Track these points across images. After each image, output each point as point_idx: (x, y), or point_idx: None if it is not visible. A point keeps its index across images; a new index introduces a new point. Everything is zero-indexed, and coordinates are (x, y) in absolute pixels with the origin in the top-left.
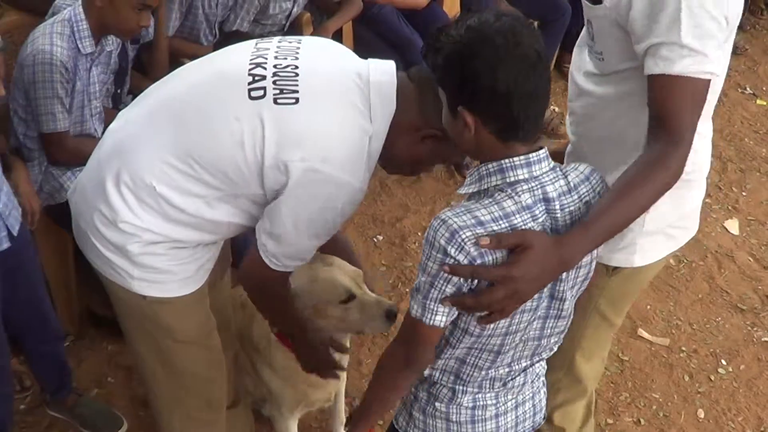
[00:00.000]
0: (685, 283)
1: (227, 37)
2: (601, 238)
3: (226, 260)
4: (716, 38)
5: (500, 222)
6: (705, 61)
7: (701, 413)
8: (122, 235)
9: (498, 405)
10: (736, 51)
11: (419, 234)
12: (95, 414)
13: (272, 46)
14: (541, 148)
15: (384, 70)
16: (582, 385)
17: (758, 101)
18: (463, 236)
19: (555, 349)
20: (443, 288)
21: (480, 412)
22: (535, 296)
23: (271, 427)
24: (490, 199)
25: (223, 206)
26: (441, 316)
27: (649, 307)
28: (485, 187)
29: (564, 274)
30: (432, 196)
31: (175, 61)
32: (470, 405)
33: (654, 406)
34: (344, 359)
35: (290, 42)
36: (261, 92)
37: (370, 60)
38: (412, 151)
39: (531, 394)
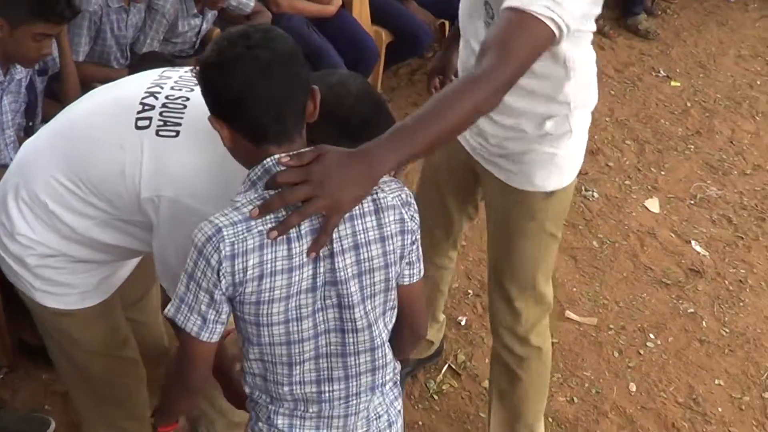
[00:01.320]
0: (609, 263)
1: (143, 59)
2: (410, 149)
3: (153, 279)
4: None
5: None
6: (561, 12)
7: (633, 387)
8: (20, 246)
9: None
10: (648, 36)
11: None
12: (18, 421)
13: (175, 75)
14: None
15: None
16: (546, 301)
17: (672, 83)
18: (223, 234)
19: (391, 376)
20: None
21: None
22: (317, 304)
23: None
24: (256, 195)
25: (111, 230)
26: (192, 325)
27: (575, 289)
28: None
29: (351, 280)
30: None
31: (88, 86)
32: (286, 429)
33: (586, 384)
34: None
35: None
36: (147, 122)
37: None
38: None
39: None
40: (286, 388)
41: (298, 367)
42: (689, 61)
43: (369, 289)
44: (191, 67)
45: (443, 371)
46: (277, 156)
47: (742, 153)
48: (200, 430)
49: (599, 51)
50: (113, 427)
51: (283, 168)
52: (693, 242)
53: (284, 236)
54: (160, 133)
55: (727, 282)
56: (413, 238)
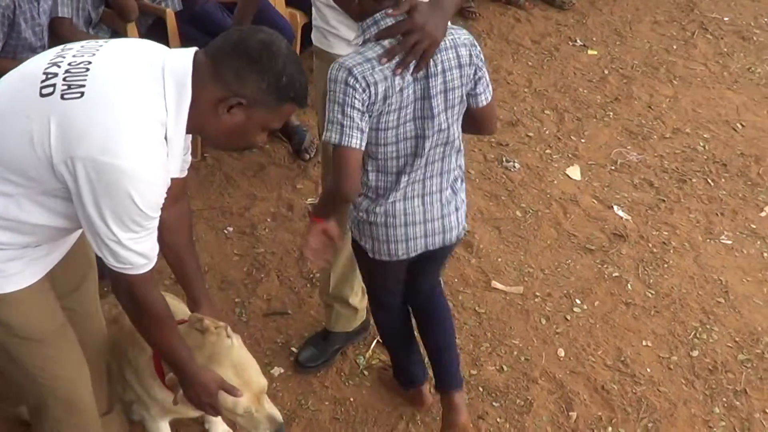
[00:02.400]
0: (533, 232)
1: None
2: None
3: (89, 266)
4: None
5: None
6: None
7: (561, 352)
8: None
9: (407, 215)
10: (564, 6)
11: (269, 221)
12: None
13: (77, 46)
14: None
15: (180, 56)
16: None
17: (589, 51)
18: (357, 71)
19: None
20: (351, 113)
21: (391, 220)
22: (408, 102)
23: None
24: (373, 43)
25: (32, 206)
26: (356, 139)
27: (500, 259)
28: (367, 37)
29: (439, 96)
30: (277, 182)
31: None
32: (382, 211)
33: (515, 352)
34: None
35: (96, 42)
36: (51, 89)
37: (169, 50)
38: (226, 125)
39: (441, 215)
40: (393, 177)
41: (404, 159)
42: (605, 30)
43: (450, 102)
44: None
45: (372, 347)
46: (384, 11)
47: (661, 117)
48: (134, 413)
49: (516, 23)
50: (57, 421)
51: (390, 19)
52: (615, 207)
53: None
54: (65, 96)
55: (650, 245)
56: (480, 72)
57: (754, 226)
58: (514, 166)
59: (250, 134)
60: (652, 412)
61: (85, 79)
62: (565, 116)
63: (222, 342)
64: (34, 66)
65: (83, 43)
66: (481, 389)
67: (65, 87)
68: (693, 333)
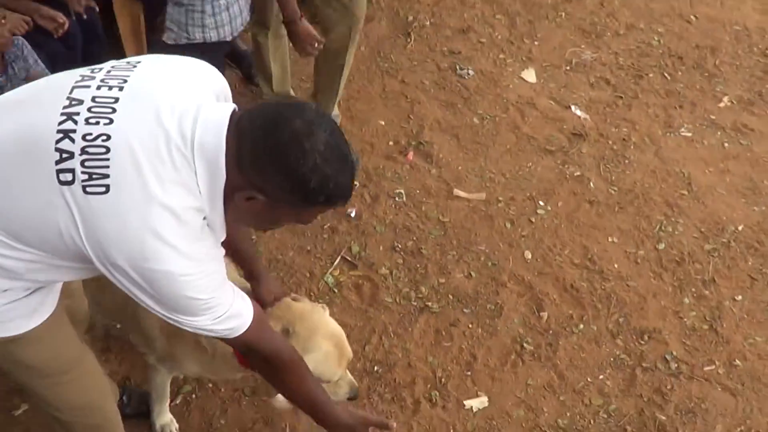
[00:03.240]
0: (492, 137)
1: None
2: None
3: None
4: None
5: None
6: None
7: (528, 254)
8: None
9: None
10: None
11: None
12: None
13: (87, 97)
14: None
15: (213, 126)
16: None
17: None
18: None
19: None
20: None
21: None
22: None
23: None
24: None
25: (49, 271)
26: None
27: (460, 167)
28: None
29: None
30: None
31: None
32: None
33: (482, 258)
34: None
35: (110, 88)
36: (69, 176)
37: (201, 107)
38: (246, 211)
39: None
40: None
41: None
42: None
43: None
44: (103, 75)
45: (336, 263)
46: None
47: (614, 14)
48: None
49: None
50: None
51: None
52: (573, 107)
53: None
54: (87, 189)
55: (610, 142)
56: None
57: (713, 117)
58: (468, 74)
59: (278, 223)
60: (622, 307)
61: (107, 166)
62: (517, 20)
63: (319, 314)
64: (41, 129)
65: (95, 90)
66: (450, 297)
67: (86, 177)
68: (658, 226)
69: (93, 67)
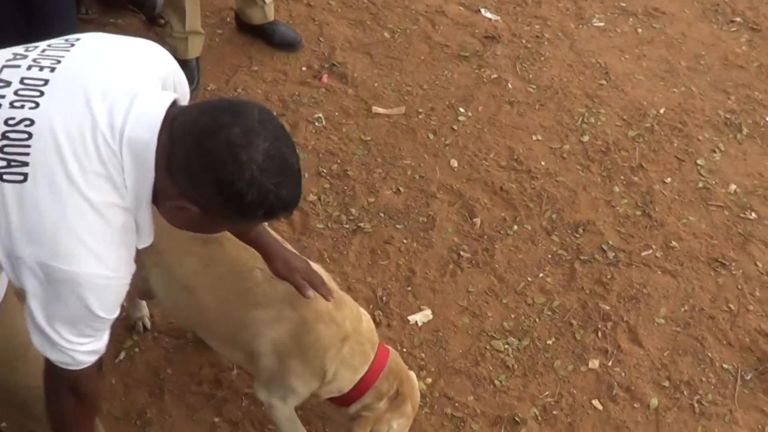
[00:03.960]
0: (405, 50)
1: None
2: None
3: None
4: None
5: None
6: None
7: (454, 163)
8: None
9: None
10: None
11: None
12: None
13: (16, 78)
14: None
15: (147, 120)
16: None
17: None
18: None
19: None
20: None
21: None
22: None
23: None
24: None
25: None
26: None
27: (376, 84)
28: None
29: None
30: None
31: None
32: None
33: (409, 172)
34: None
35: (42, 69)
36: None
37: (137, 96)
38: (177, 218)
39: None
40: None
41: None
42: None
43: None
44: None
45: None
46: None
47: None
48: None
49: None
50: None
51: None
52: (482, 10)
53: None
54: (5, 177)
55: (524, 41)
56: None
57: (624, 5)
58: None
59: (215, 231)
60: (554, 203)
61: (28, 153)
62: None
63: (414, 380)
64: None
65: (26, 69)
66: (382, 215)
67: (4, 163)
68: (580, 119)
69: (29, 45)
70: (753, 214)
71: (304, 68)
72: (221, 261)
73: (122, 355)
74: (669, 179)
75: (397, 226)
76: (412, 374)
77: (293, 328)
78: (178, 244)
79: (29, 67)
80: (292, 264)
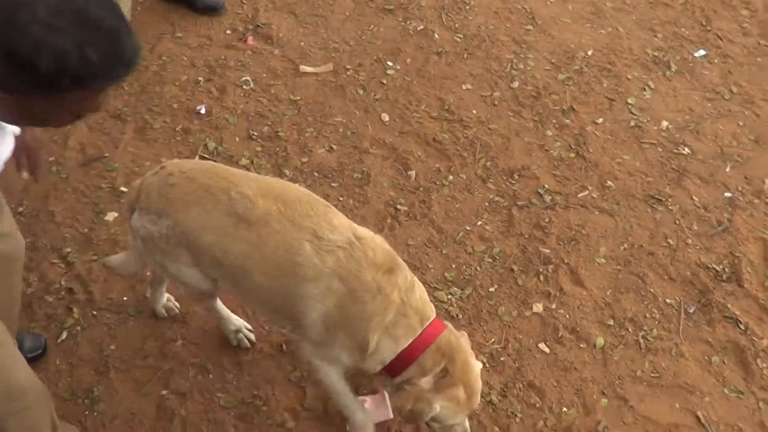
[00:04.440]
0: (329, 7)
1: None
2: None
3: None
4: None
5: None
6: None
7: (385, 117)
8: None
9: None
10: None
11: None
12: None
13: None
14: None
15: None
16: None
17: None
18: None
19: None
20: None
21: None
22: None
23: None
24: None
25: None
26: None
27: (302, 43)
28: None
29: None
30: None
31: None
32: None
33: (340, 129)
34: None
35: None
36: None
37: None
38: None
39: None
40: None
41: None
42: None
43: None
44: None
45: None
46: None
47: None
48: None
49: None
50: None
51: None
52: None
53: None
54: None
55: None
56: None
57: None
58: None
59: (47, 119)
60: (487, 151)
61: None
62: None
63: (468, 356)
64: None
65: None
66: (316, 174)
67: None
68: (509, 65)
69: None
70: (686, 149)
71: (228, 32)
72: (269, 239)
73: (64, 335)
74: (601, 120)
75: (332, 184)
76: (476, 363)
77: (341, 300)
78: (219, 234)
79: None
80: (29, 143)
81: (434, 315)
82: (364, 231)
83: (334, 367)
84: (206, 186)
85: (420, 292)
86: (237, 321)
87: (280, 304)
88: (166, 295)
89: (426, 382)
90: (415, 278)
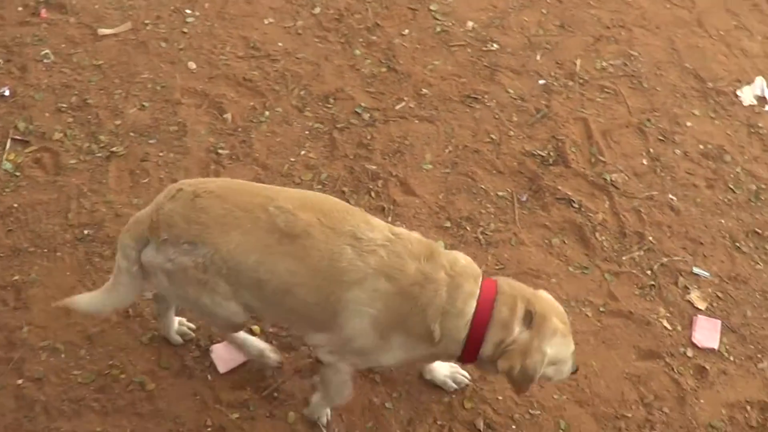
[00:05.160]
0: None
1: None
2: None
3: None
4: None
5: None
6: None
7: (192, 65)
8: None
9: None
10: None
11: None
12: None
13: None
14: None
15: None
16: None
17: None
18: None
19: None
20: None
21: None
22: None
23: None
24: None
25: None
26: None
27: (96, 6)
28: None
29: None
30: None
31: None
32: None
33: (149, 85)
34: None
35: None
36: None
37: None
38: None
39: None
40: None
41: None
42: None
43: None
44: None
45: (8, 147)
46: None
47: None
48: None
49: None
50: None
51: None
52: None
53: None
54: None
55: None
56: None
57: None
58: None
59: None
60: (299, 80)
61: None
62: None
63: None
64: None
65: None
66: (132, 134)
67: None
68: None
69: None
70: (494, 45)
71: (20, 8)
72: (313, 251)
73: None
74: (407, 31)
75: (150, 141)
76: (540, 291)
77: (390, 300)
78: (263, 253)
79: None
80: None
81: (480, 271)
82: (400, 229)
83: (355, 368)
84: (241, 204)
85: (463, 258)
86: (259, 344)
87: (326, 317)
88: (177, 319)
89: (520, 333)
90: (454, 251)
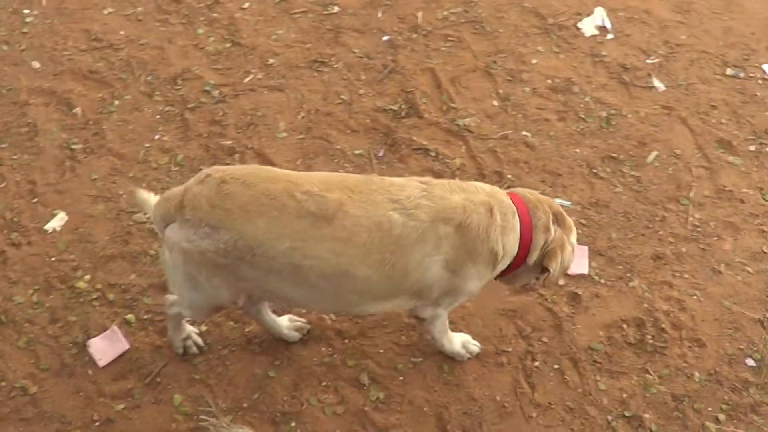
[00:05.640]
0: None
1: None
2: None
3: None
4: None
5: None
6: None
7: (36, 64)
8: None
9: None
10: None
11: None
12: None
13: None
14: None
15: None
16: None
17: None
18: None
19: None
20: None
21: None
22: None
23: None
24: None
25: None
26: None
27: None
28: None
29: None
30: None
31: None
32: None
33: None
34: None
35: None
36: None
37: None
38: None
39: None
40: None
41: None
42: None
43: None
44: None
45: None
46: None
47: None
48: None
49: None
50: None
51: None
52: None
53: None
54: None
55: None
56: None
57: None
58: None
59: None
60: (145, 66)
61: None
62: None
63: None
64: None
65: None
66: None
67: None
68: None
69: None
70: (335, 8)
71: None
72: (357, 229)
73: None
74: (247, 5)
75: (1, 146)
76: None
77: (454, 239)
78: (296, 239)
79: None
80: None
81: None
82: (420, 178)
83: (450, 308)
84: (267, 192)
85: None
86: (282, 321)
87: (394, 285)
88: (188, 329)
89: (555, 231)
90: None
